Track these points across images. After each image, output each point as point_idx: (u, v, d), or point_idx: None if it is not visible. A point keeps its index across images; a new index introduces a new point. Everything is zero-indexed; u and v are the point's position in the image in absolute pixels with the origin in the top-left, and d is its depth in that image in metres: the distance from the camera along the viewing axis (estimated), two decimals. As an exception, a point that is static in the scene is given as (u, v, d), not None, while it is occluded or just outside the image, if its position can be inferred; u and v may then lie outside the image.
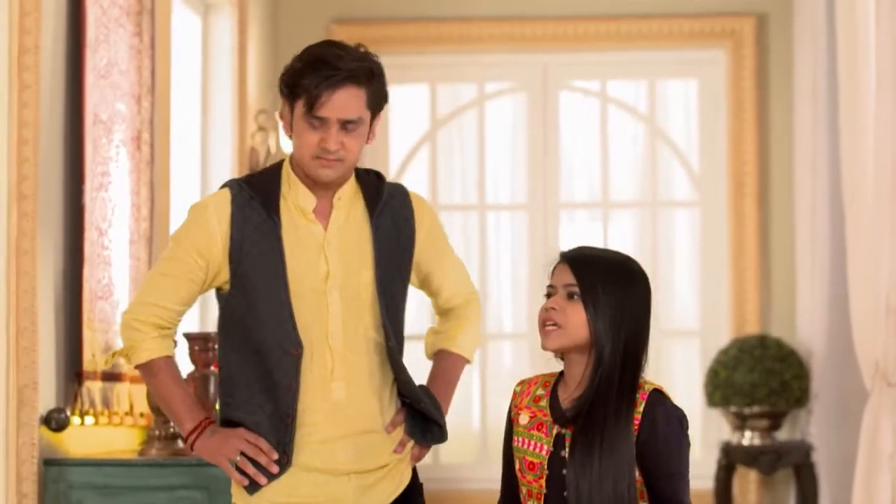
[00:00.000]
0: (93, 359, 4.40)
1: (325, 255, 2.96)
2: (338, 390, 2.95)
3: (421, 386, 3.08)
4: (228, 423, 2.99)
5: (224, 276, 2.97)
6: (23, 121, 3.96)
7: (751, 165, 6.96)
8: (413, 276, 3.09)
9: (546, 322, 2.84)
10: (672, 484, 2.80)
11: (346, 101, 2.89)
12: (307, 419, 2.94)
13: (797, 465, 6.57)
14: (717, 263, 7.03)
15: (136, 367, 3.01)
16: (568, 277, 2.83)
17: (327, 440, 2.94)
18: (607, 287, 2.81)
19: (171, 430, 4.37)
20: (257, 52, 6.60)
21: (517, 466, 2.89)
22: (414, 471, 3.07)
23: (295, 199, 2.98)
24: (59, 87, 4.30)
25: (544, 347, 2.87)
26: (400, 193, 3.07)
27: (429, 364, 3.24)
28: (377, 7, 7.07)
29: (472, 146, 7.17)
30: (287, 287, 2.92)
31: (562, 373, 2.92)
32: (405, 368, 3.02)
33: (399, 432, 3.02)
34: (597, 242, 7.16)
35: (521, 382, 2.97)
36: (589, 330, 2.80)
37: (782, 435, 6.76)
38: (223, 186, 3.03)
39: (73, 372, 4.32)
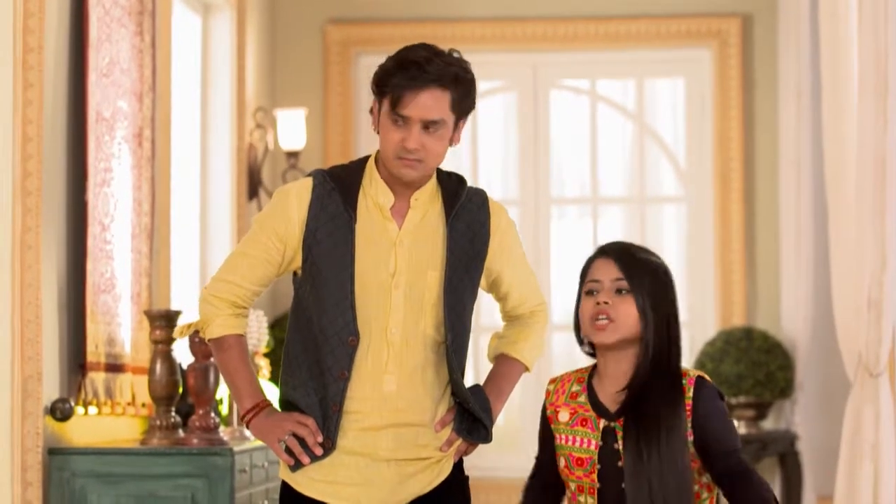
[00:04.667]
0: (96, 350, 4.46)
1: (396, 252, 2.99)
2: (389, 382, 2.98)
3: (475, 386, 3.09)
4: (286, 402, 3.05)
5: (298, 261, 3.00)
6: (27, 118, 4.01)
7: (736, 162, 7.02)
8: (483, 280, 3.09)
9: (598, 316, 2.91)
10: (735, 457, 2.89)
11: (429, 101, 2.93)
12: (355, 407, 2.98)
13: (782, 453, 6.64)
14: (704, 257, 7.10)
15: (208, 341, 3.06)
16: (615, 272, 2.92)
17: (371, 428, 2.98)
18: (653, 281, 2.91)
19: (173, 419, 4.43)
20: (255, 52, 6.65)
21: (562, 464, 2.95)
22: (459, 464, 3.08)
23: (374, 195, 3.01)
24: (63, 86, 4.35)
25: (599, 342, 2.92)
26: (479, 198, 3.08)
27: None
28: (372, 8, 7.13)
29: (464, 143, 7.21)
30: (352, 279, 2.96)
31: (594, 367, 2.99)
32: (457, 369, 3.02)
33: (447, 431, 3.04)
34: (587, 238, 7.27)
35: (554, 381, 3.03)
36: (641, 323, 2.89)
37: (768, 424, 6.84)
38: (308, 175, 3.07)
39: (76, 363, 4.38)
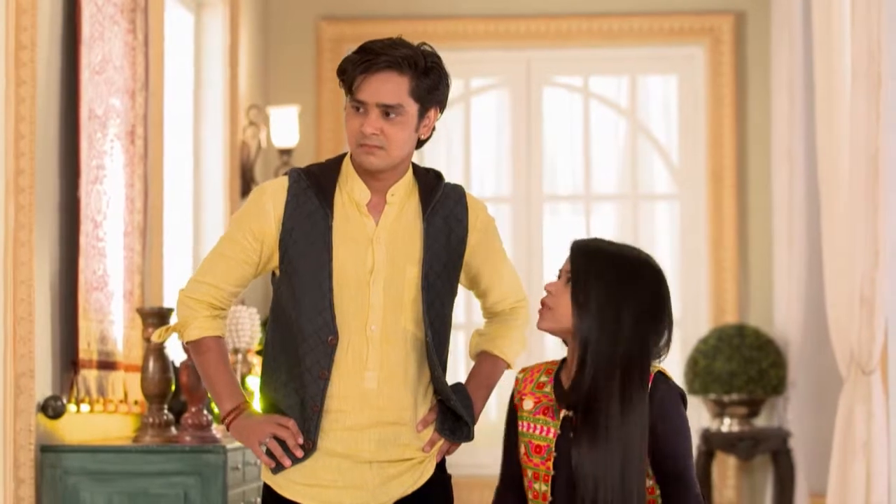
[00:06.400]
0: (88, 348, 4.46)
1: (373, 248, 2.96)
2: (370, 380, 2.95)
3: (457, 384, 3.07)
4: (267, 403, 3.04)
5: (276, 260, 2.98)
6: (19, 116, 4.02)
7: (729, 159, 7.05)
8: (462, 276, 3.08)
9: (542, 303, 2.93)
10: (680, 462, 2.87)
11: (383, 85, 2.91)
12: (336, 406, 2.95)
13: (774, 451, 6.65)
14: (697, 254, 7.12)
15: (187, 343, 3.04)
16: (567, 265, 2.92)
17: (353, 428, 2.96)
18: (601, 280, 2.87)
19: (165, 417, 4.43)
20: (248, 49, 6.65)
21: (522, 451, 2.95)
22: (441, 463, 3.06)
23: (350, 191, 2.99)
24: (55, 83, 4.35)
25: (538, 328, 2.95)
26: (456, 194, 3.05)
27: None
28: (364, 5, 7.13)
29: (457, 140, 7.23)
30: (330, 277, 2.93)
31: (564, 359, 2.99)
32: (439, 365, 3.00)
33: (429, 431, 3.01)
34: (579, 235, 7.24)
35: (524, 370, 3.03)
36: (574, 314, 2.87)
37: (760, 422, 6.85)
38: (285, 173, 3.06)
39: (69, 361, 4.38)
